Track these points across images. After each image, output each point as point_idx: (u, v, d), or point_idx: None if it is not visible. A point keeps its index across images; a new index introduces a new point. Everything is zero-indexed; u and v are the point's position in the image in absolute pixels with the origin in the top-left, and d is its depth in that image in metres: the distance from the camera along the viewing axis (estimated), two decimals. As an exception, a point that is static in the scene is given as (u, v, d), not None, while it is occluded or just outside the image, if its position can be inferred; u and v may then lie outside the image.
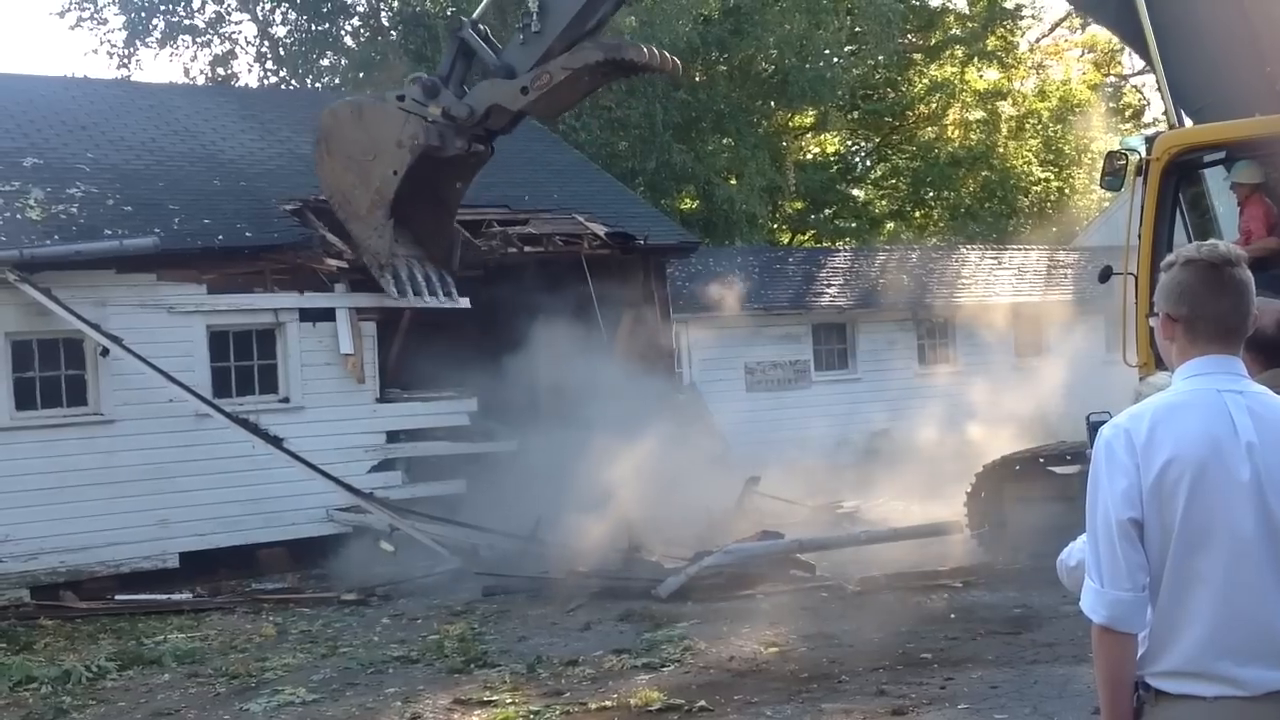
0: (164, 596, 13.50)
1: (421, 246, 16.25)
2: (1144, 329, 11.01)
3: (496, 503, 15.89)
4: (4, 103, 16.58)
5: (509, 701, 8.58)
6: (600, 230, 18.12)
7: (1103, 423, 3.82)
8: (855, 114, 38.17)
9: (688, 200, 32.71)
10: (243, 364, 15.11)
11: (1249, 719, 2.99)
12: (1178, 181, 11.31)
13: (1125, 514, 3.01)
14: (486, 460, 16.41)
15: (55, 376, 13.98)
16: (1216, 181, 11.90)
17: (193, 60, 42.60)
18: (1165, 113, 11.42)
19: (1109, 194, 40.41)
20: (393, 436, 15.94)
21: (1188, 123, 11.27)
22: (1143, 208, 11.14)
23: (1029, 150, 42.54)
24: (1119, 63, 45.58)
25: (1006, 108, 41.43)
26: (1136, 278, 11.02)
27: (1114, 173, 11.28)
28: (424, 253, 16.24)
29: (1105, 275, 11.45)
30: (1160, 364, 10.94)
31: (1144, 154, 11.08)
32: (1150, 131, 11.19)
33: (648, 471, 16.94)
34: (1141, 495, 3.00)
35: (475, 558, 14.01)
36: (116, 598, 13.53)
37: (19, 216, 14.14)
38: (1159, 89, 11.94)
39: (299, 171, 17.17)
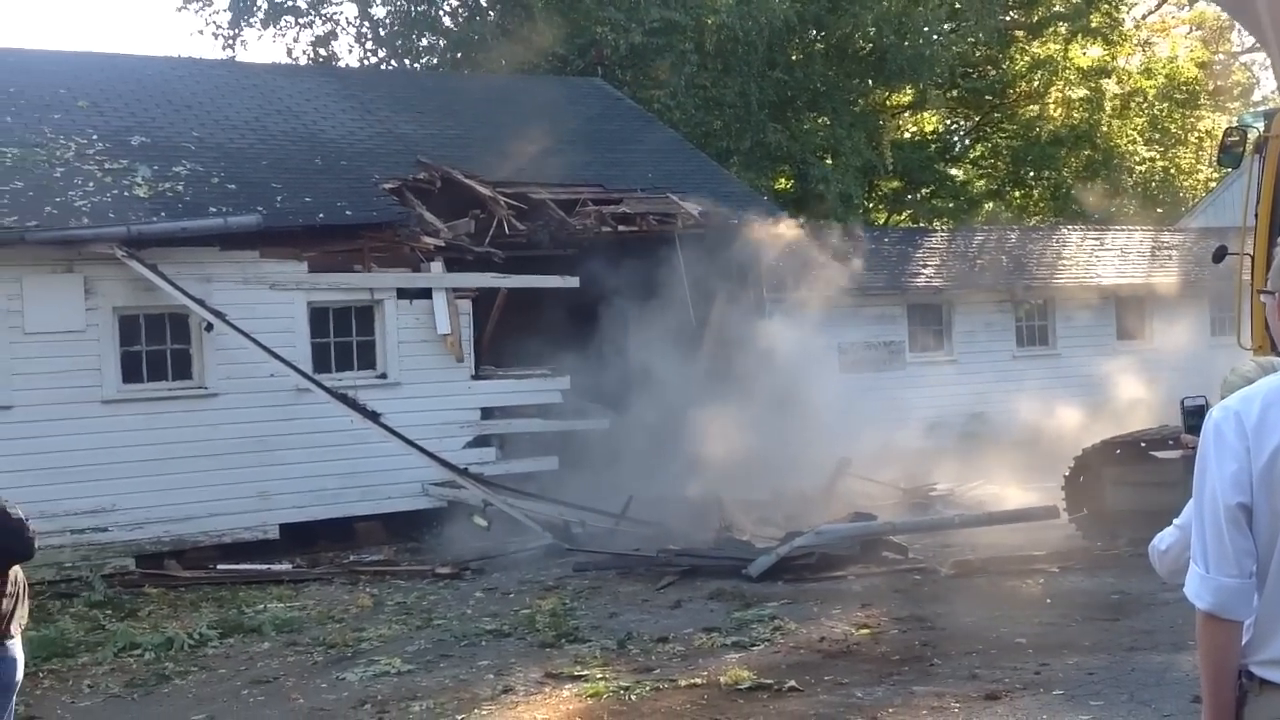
0: (264, 567, 13.77)
1: None
2: (1259, 311, 10.73)
3: (588, 481, 15.98)
4: (112, 82, 16.98)
5: (599, 676, 8.62)
6: (694, 209, 18.07)
7: (1198, 406, 3.74)
8: (954, 92, 37.57)
9: (782, 180, 32.48)
10: (342, 340, 15.33)
11: None
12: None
13: (1234, 499, 2.94)
14: (579, 438, 16.50)
15: (161, 350, 14.31)
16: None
17: (295, 41, 43.44)
18: (1277, 90, 11.16)
19: (1216, 174, 39.51)
20: (487, 413, 16.09)
21: None
22: (1260, 185, 10.86)
23: (1134, 129, 41.62)
24: (1228, 40, 44.44)
25: (1111, 85, 40.51)
26: (1254, 257, 10.76)
27: (1230, 149, 11.02)
28: None
29: (1220, 255, 11.20)
30: (1275, 346, 10.68)
31: (1262, 130, 10.83)
32: (1267, 108, 10.87)
33: (740, 451, 16.95)
34: (1251, 480, 2.93)
35: (567, 534, 14.12)
36: (218, 567, 13.82)
37: (126, 194, 14.46)
38: (1272, 66, 11.66)
39: (398, 151, 17.38)
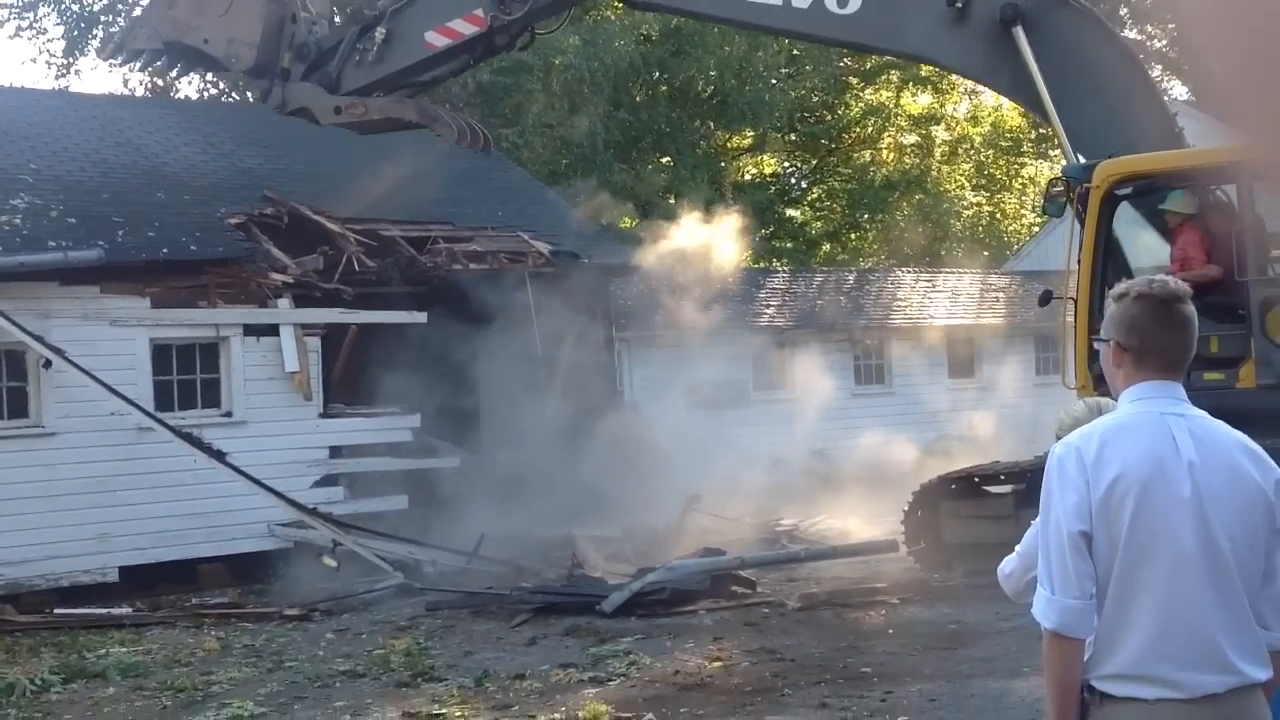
0: (104, 611, 13.42)
1: None
2: (1083, 352, 11.35)
3: (439, 519, 15.98)
4: (-54, 113, 16.47)
5: (458, 715, 8.68)
6: (544, 248, 18.27)
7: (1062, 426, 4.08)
8: (793, 136, 38.65)
9: (627, 220, 32.94)
10: (186, 377, 15.08)
11: None
12: (1113, 209, 11.70)
13: (1076, 526, 3.22)
14: (428, 476, 16.47)
15: (-3, 388, 13.90)
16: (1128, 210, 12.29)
17: (131, 71, 42.34)
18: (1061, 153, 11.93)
19: (1039, 220, 41.22)
20: (335, 451, 15.97)
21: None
22: (1082, 233, 11.49)
23: (961, 174, 43.31)
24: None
25: (940, 132, 42.15)
26: (1076, 301, 11.36)
27: (1054, 198, 11.66)
28: None
29: (1045, 299, 11.82)
30: (1100, 385, 11.32)
31: (1082, 182, 11.46)
32: (1088, 161, 11.54)
33: (588, 489, 17.13)
34: (1091, 509, 3.22)
35: (419, 573, 14.08)
36: (56, 611, 13.43)
37: (-39, 227, 14.04)
38: (1060, 145, 12.48)
39: (243, 185, 17.19)
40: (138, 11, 15.79)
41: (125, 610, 13.52)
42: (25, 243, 14.14)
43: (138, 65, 16.01)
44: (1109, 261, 11.75)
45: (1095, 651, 3.28)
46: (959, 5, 12.64)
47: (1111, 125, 11.96)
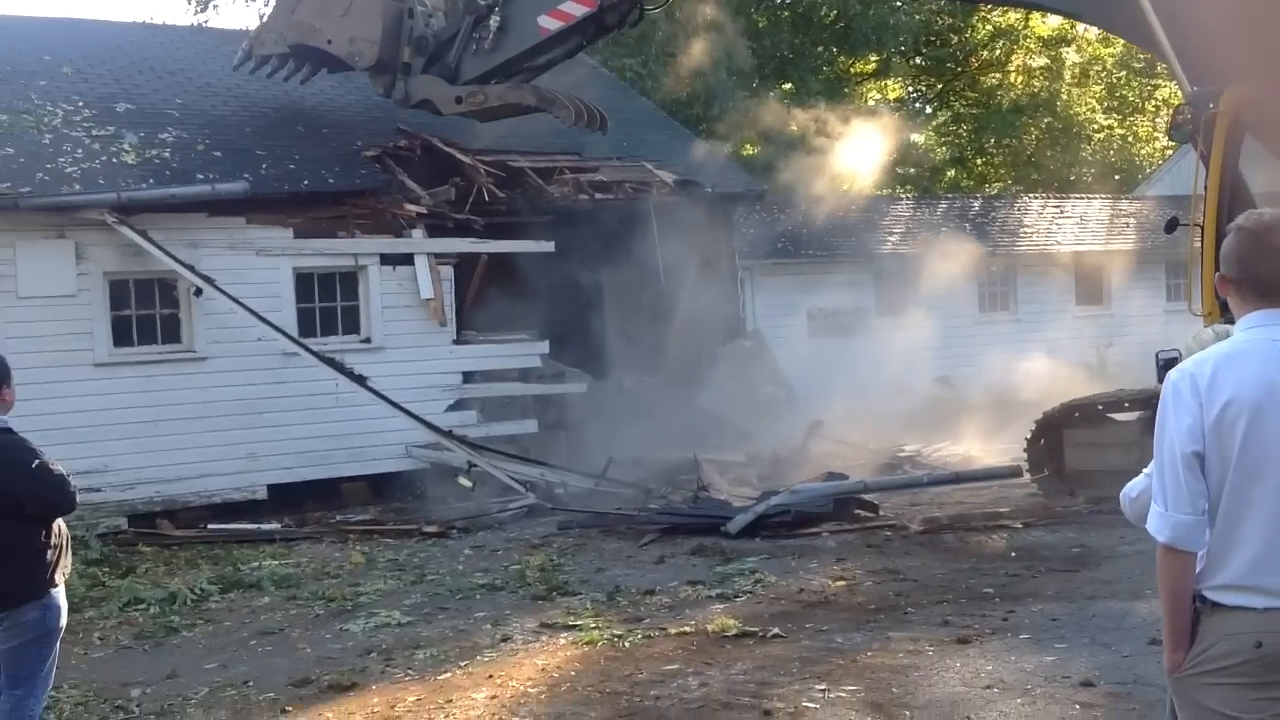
0: (254, 526, 14.16)
1: None
2: (1209, 279, 11.30)
3: (567, 443, 16.47)
4: (95, 49, 17.18)
5: (592, 626, 9.09)
6: (669, 177, 18.49)
7: (1171, 359, 4.28)
8: (918, 59, 38.08)
9: (749, 147, 32.91)
10: (327, 305, 15.68)
11: None
12: (1241, 135, 11.56)
13: (1189, 447, 3.44)
14: (556, 401, 16.94)
15: (150, 315, 14.62)
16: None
17: (266, 4, 43.26)
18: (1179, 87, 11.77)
19: (1171, 144, 40.22)
20: (468, 377, 16.48)
21: None
22: (1209, 160, 11.40)
23: (1092, 97, 42.31)
24: (1187, 9, 44.98)
25: (1071, 54, 41.15)
26: (1203, 228, 11.30)
27: (1180, 125, 11.56)
28: None
29: (1172, 226, 11.75)
30: (1226, 311, 11.26)
31: (1211, 107, 11.33)
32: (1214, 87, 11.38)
33: (711, 415, 17.48)
34: (1204, 431, 3.43)
35: (549, 494, 14.57)
36: (209, 526, 14.21)
37: (115, 161, 14.72)
38: (1177, 81, 12.29)
39: (378, 118, 17.67)
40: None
41: (274, 526, 14.26)
42: (174, 175, 14.78)
43: (267, 72, 16.59)
44: (1235, 189, 11.66)
45: (1207, 564, 3.50)
46: None
47: (1232, 60, 11.75)
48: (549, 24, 15.39)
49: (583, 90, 18.63)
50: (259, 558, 12.59)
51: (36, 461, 6.17)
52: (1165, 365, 4.34)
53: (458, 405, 16.30)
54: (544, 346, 16.93)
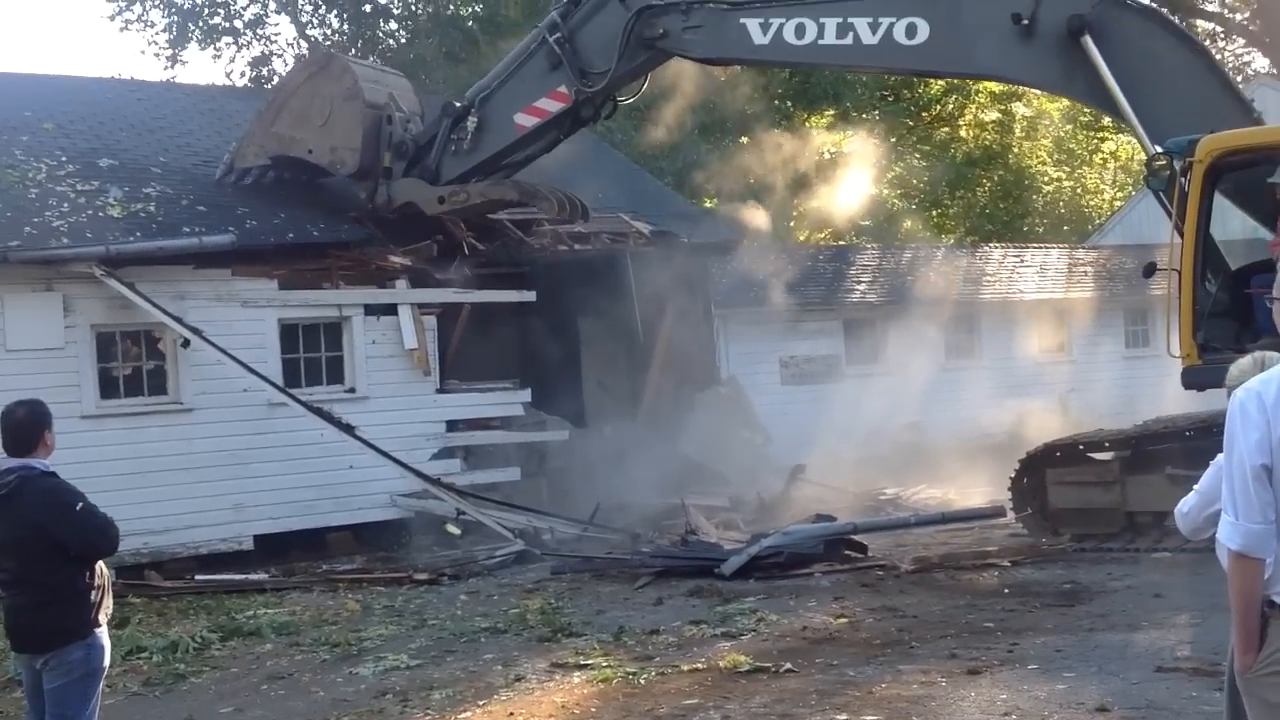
0: (243, 576, 14.14)
1: None
2: (1187, 321, 11.67)
3: (549, 489, 16.60)
4: (75, 105, 17.28)
5: (604, 664, 9.20)
6: (645, 228, 18.78)
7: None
8: (875, 113, 38.75)
9: (708, 200, 33.33)
10: (311, 355, 15.76)
11: None
12: (1215, 183, 12.00)
13: (1258, 460, 3.67)
14: (539, 448, 17.06)
15: (137, 367, 14.65)
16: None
17: (232, 62, 43.63)
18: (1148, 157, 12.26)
19: (1121, 194, 41.04)
20: (452, 425, 16.58)
21: None
22: (1184, 206, 11.80)
23: (1042, 150, 43.21)
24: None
25: (1020, 108, 42.04)
26: (1180, 272, 11.67)
27: (1157, 172, 11.97)
28: None
29: (1149, 271, 12.13)
30: (1204, 352, 11.65)
31: (1185, 156, 11.75)
32: (1190, 136, 11.83)
33: (690, 461, 17.68)
34: (1271, 445, 3.66)
35: (538, 540, 14.67)
36: (197, 577, 14.17)
37: (101, 214, 14.80)
38: (1140, 142, 12.80)
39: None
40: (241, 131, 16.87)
41: (262, 576, 14.24)
42: (160, 229, 14.88)
43: (248, 181, 16.81)
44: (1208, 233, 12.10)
45: (1275, 570, 3.73)
46: (1025, 22, 12.98)
47: (1189, 117, 12.27)
48: (525, 121, 15.84)
49: (561, 145, 18.93)
50: (252, 606, 12.58)
51: (80, 504, 6.26)
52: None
53: (442, 453, 16.39)
54: (526, 395, 17.08)
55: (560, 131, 16.17)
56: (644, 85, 16.45)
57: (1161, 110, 12.64)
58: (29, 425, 6.36)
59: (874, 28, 13.87)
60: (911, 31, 13.78)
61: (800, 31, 14.33)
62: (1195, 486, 4.34)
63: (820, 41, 14.26)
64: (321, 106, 16.16)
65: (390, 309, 16.15)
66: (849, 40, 14.06)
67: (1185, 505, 4.36)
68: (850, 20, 13.98)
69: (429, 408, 16.33)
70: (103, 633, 6.32)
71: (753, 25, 14.60)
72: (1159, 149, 12.21)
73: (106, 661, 6.38)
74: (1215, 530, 3.88)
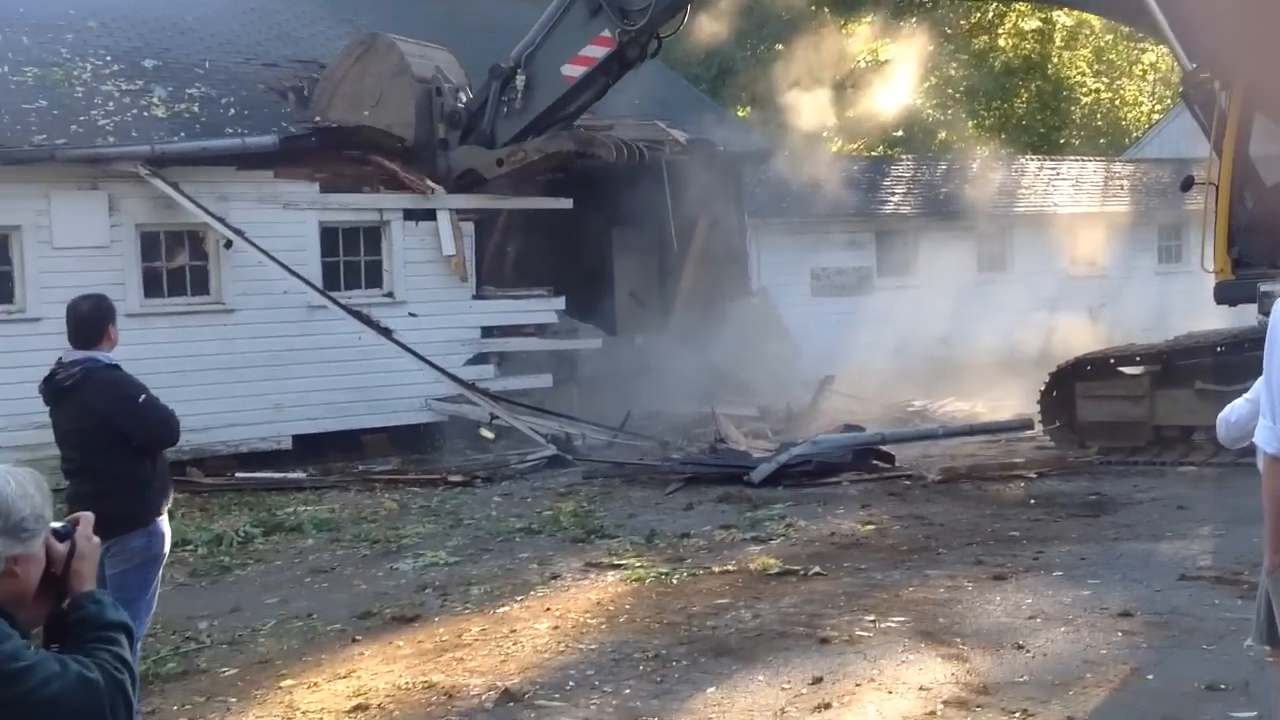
0: (282, 475, 14.47)
1: None
2: (1222, 236, 11.72)
3: (580, 396, 16.82)
4: (119, 6, 17.32)
5: (637, 565, 9.47)
6: (681, 136, 18.76)
7: (1270, 293, 4.73)
8: (913, 20, 38.28)
9: (741, 110, 33.18)
10: (351, 259, 15.93)
11: None
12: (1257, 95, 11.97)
13: (1298, 367, 3.81)
14: (571, 356, 17.26)
15: (180, 267, 14.86)
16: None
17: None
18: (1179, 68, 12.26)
19: (1160, 107, 40.55)
20: (487, 331, 16.77)
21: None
22: (1223, 122, 11.79)
23: (1081, 60, 42.66)
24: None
25: (1061, 16, 41.40)
26: (1218, 187, 11.69)
27: (1200, 85, 11.95)
28: None
29: (1188, 184, 12.16)
30: (1236, 268, 11.72)
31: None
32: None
33: (720, 370, 17.86)
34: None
35: (569, 446, 14.92)
36: (237, 475, 14.51)
37: (145, 114, 14.94)
38: (1178, 60, 12.72)
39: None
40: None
41: (300, 475, 14.58)
42: (204, 129, 15.01)
43: None
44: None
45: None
46: None
47: (1227, 34, 12.16)
48: (573, 71, 15.86)
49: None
50: (291, 504, 12.91)
51: (143, 396, 6.50)
52: (1265, 296, 4.79)
53: (476, 359, 16.60)
54: (560, 302, 17.23)
55: (609, 77, 16.23)
56: (685, 18, 16.41)
57: (1200, 31, 12.56)
58: (93, 319, 6.60)
59: None
60: None
61: None
62: (1245, 395, 4.44)
63: None
64: (372, 87, 16.31)
65: (429, 214, 16.27)
66: None
67: (1232, 414, 4.46)
68: None
69: (465, 314, 16.51)
70: (163, 521, 6.58)
71: None
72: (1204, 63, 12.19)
73: (167, 549, 6.64)
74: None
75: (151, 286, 14.64)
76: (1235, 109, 11.83)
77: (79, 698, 2.53)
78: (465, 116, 16.49)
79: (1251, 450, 10.80)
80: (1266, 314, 4.31)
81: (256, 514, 12.43)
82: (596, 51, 15.72)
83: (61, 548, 2.73)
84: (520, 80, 15.97)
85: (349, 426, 15.67)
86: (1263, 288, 4.49)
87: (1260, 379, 4.16)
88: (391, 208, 15.95)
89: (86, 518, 2.85)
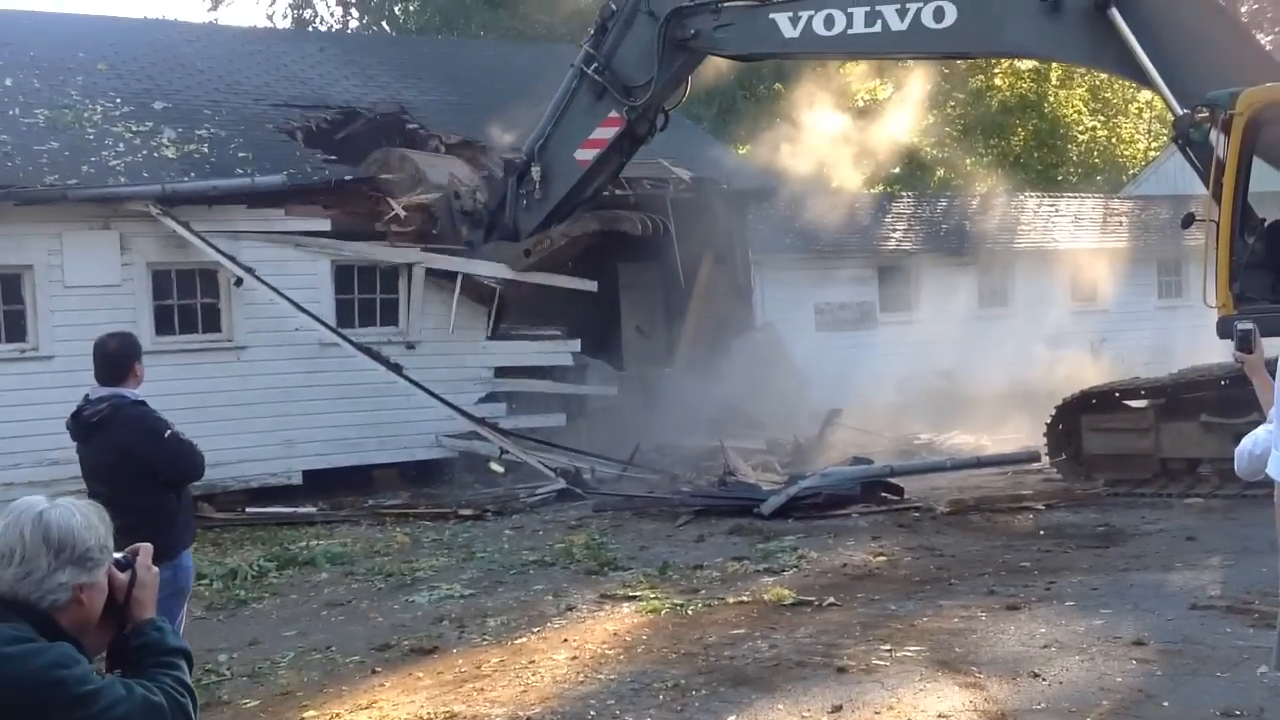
0: (292, 509, 14.54)
1: None
2: (1224, 271, 11.85)
3: (588, 431, 16.90)
4: (127, 46, 17.61)
5: (652, 596, 9.54)
6: (685, 174, 18.95)
7: (1246, 330, 4.84)
8: (908, 61, 38.61)
9: (740, 148, 33.43)
10: (366, 297, 15.99)
11: None
12: (1256, 134, 12.12)
13: (1306, 397, 3.92)
14: (583, 396, 17.34)
15: (191, 305, 14.99)
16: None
17: (273, 4, 43.84)
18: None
19: (1157, 145, 40.83)
20: (500, 371, 16.84)
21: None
22: (1213, 161, 11.95)
23: (1078, 99, 42.98)
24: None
25: (1056, 57, 41.79)
26: (1219, 224, 11.84)
27: (1198, 124, 12.11)
28: None
29: (1188, 221, 12.31)
30: (1239, 303, 11.84)
31: (1227, 109, 11.88)
32: (1233, 88, 11.95)
33: (727, 405, 17.96)
34: (1320, 383, 3.92)
35: (578, 480, 15.00)
36: (248, 510, 14.59)
37: (156, 155, 15.12)
38: (1169, 108, 12.93)
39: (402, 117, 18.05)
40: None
41: (311, 509, 14.65)
42: (214, 169, 15.17)
43: None
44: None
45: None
46: None
47: (1216, 77, 12.39)
48: (586, 155, 16.15)
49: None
50: (304, 538, 12.98)
51: (169, 432, 6.62)
52: (1243, 333, 4.86)
53: (488, 398, 16.67)
54: (575, 345, 17.23)
55: (622, 156, 16.51)
56: (687, 91, 16.62)
57: (1190, 75, 12.79)
58: (121, 356, 6.72)
59: (902, 14, 14.08)
60: (939, 15, 13.96)
61: (829, 22, 14.59)
62: (1267, 426, 4.53)
63: (849, 31, 14.51)
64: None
65: (451, 275, 16.33)
66: (878, 28, 14.32)
67: (1258, 447, 4.52)
68: (878, 8, 14.19)
69: (479, 354, 16.57)
70: (188, 554, 6.68)
71: (782, 19, 14.89)
72: (1201, 103, 12.34)
73: (191, 581, 6.74)
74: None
75: (163, 325, 14.76)
76: (1235, 144, 11.97)
77: None
78: (486, 215, 16.77)
79: (1259, 483, 10.98)
80: (1245, 350, 4.47)
81: (269, 548, 12.50)
82: (607, 133, 16.03)
83: (123, 577, 2.83)
84: (536, 171, 16.26)
85: (359, 462, 15.76)
86: (1240, 326, 4.64)
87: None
88: (414, 261, 15.98)
89: (146, 548, 2.95)
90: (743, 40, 15.52)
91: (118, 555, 2.82)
